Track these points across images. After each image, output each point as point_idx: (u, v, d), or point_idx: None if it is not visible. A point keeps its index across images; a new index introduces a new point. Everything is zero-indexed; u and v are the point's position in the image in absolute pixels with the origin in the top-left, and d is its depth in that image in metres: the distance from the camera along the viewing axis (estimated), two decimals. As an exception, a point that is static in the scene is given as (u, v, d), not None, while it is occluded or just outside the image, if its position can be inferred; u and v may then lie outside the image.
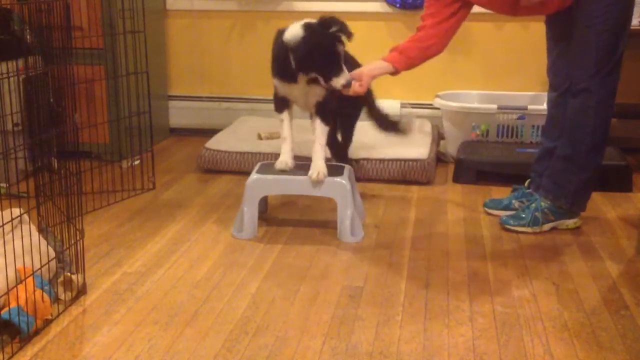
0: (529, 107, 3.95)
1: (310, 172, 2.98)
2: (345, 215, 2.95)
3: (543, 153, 3.17)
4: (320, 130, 3.08)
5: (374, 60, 3.10)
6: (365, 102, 3.32)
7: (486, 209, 3.29)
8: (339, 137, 3.40)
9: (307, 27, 2.99)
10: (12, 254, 2.26)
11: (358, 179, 3.45)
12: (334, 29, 2.99)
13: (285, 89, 3.09)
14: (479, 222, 3.19)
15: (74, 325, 2.31)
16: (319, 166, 2.99)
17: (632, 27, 3.72)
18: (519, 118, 3.97)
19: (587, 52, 2.87)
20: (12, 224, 2.50)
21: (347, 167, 3.10)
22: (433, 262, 2.78)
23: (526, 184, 3.26)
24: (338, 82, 2.94)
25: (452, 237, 3.03)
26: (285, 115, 3.14)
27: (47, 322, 2.30)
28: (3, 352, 2.10)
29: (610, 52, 2.86)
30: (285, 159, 3.07)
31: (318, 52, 2.92)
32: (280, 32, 3.06)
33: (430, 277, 2.65)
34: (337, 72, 2.95)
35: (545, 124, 3.22)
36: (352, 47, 4.43)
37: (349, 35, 3.02)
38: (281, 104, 3.14)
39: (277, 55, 3.05)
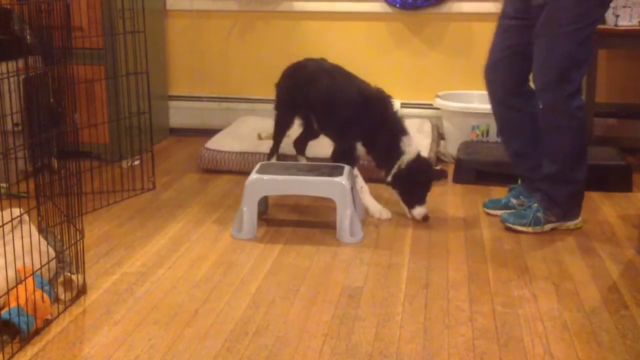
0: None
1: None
2: (345, 215, 2.95)
3: (515, 157, 3.20)
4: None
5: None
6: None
7: (486, 209, 3.29)
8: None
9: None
10: (12, 254, 2.26)
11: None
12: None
13: None
14: (479, 222, 3.19)
15: (74, 325, 2.31)
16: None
17: (631, 27, 3.76)
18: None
19: (547, 59, 2.89)
20: (12, 224, 2.50)
21: (346, 167, 3.10)
22: (433, 262, 2.78)
23: (519, 182, 3.27)
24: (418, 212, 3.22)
25: (452, 237, 3.03)
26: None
27: (47, 322, 2.29)
28: (3, 352, 2.10)
29: (574, 63, 2.86)
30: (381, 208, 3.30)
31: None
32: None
33: (430, 277, 2.65)
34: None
35: (502, 126, 3.21)
36: (352, 48, 4.46)
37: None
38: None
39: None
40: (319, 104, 3.42)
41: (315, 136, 3.67)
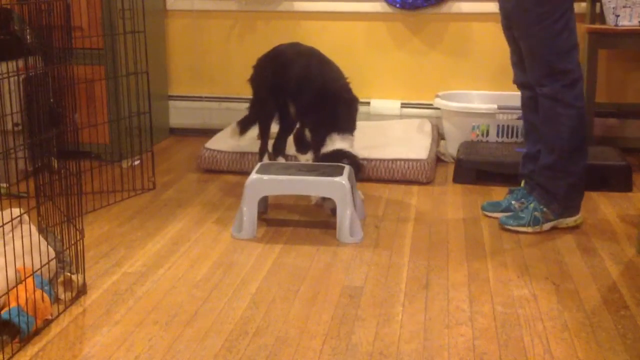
0: (529, 107, 3.95)
1: None
2: (345, 215, 2.95)
3: (526, 158, 3.23)
4: None
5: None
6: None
7: (485, 212, 3.27)
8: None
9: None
10: (12, 254, 2.26)
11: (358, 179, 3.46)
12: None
13: None
14: (478, 222, 3.19)
15: (74, 325, 2.31)
16: None
17: (631, 27, 3.76)
18: (519, 118, 3.97)
19: (532, 57, 2.92)
20: (12, 224, 2.50)
21: (347, 167, 3.10)
22: (433, 262, 2.78)
23: (522, 184, 3.27)
24: None
25: (452, 237, 3.03)
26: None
27: (47, 322, 2.30)
28: (3, 352, 2.10)
29: (558, 56, 2.88)
30: None
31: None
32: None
33: (430, 277, 2.65)
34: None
35: (524, 129, 3.27)
36: (352, 48, 4.46)
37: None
38: None
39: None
40: (296, 86, 3.44)
41: (292, 129, 3.68)
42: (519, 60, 3.05)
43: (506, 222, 3.08)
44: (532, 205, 3.06)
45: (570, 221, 3.09)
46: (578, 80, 2.93)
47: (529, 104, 3.12)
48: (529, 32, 2.88)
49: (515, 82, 3.18)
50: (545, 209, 3.04)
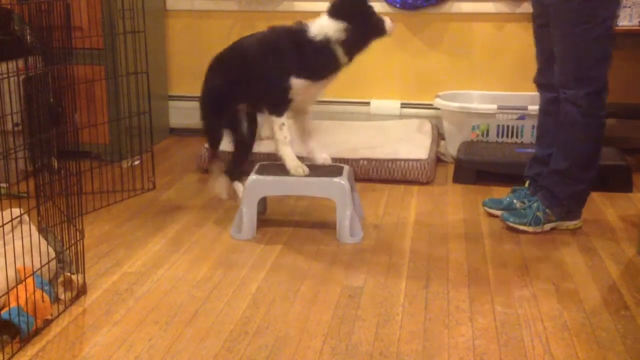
0: (529, 107, 3.95)
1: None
2: (344, 215, 2.95)
3: (534, 161, 3.23)
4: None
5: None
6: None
7: (486, 208, 3.28)
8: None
9: (336, 15, 3.09)
10: (12, 254, 2.26)
11: (358, 179, 3.45)
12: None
13: (308, 89, 3.01)
14: (479, 222, 3.19)
15: (74, 325, 2.31)
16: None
17: (631, 27, 3.76)
18: (519, 118, 3.97)
19: (563, 58, 2.90)
20: (12, 224, 2.50)
21: (346, 168, 3.09)
22: (433, 262, 2.78)
23: (526, 184, 3.26)
24: (389, 26, 3.05)
25: (452, 237, 3.03)
26: (286, 117, 3.05)
27: (47, 322, 2.30)
28: (3, 352, 2.10)
29: (590, 62, 2.85)
30: (299, 164, 3.01)
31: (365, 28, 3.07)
32: (295, 32, 3.13)
33: (430, 277, 2.65)
34: (382, 23, 3.05)
35: (537, 131, 3.27)
36: (352, 47, 4.44)
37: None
38: (287, 106, 3.03)
39: (310, 54, 3.02)
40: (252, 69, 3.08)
41: (248, 149, 3.29)
42: (545, 61, 3.03)
43: (507, 219, 3.08)
44: (535, 204, 3.06)
45: (570, 224, 3.09)
46: (603, 90, 2.89)
47: (548, 108, 3.10)
48: (567, 31, 2.84)
49: (536, 82, 3.15)
50: (547, 211, 3.04)
